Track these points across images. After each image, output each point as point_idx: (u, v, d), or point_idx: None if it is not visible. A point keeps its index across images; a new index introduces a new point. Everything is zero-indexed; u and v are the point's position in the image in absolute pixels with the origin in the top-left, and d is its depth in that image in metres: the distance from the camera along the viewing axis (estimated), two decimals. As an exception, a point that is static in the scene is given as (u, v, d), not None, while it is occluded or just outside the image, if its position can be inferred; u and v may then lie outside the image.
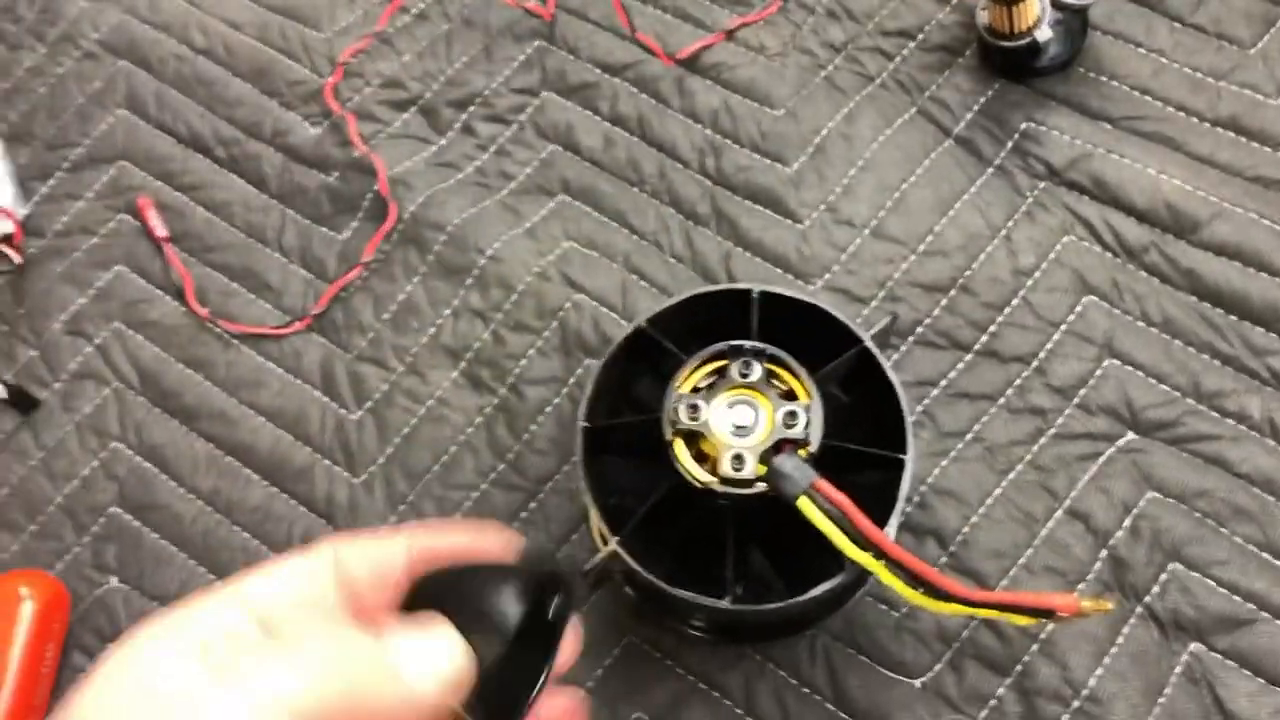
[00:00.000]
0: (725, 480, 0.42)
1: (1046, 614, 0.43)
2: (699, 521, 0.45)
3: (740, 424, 0.42)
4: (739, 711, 0.50)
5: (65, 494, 0.57)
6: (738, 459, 0.41)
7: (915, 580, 0.41)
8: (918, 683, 0.49)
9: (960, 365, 0.55)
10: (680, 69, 0.63)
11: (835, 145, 0.60)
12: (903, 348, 0.55)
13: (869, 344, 0.46)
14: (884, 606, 0.51)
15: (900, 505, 0.44)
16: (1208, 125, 0.58)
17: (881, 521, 0.43)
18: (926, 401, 0.54)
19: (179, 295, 0.61)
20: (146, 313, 0.61)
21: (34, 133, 0.66)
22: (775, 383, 0.44)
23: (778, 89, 0.62)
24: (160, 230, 0.62)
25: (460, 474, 0.55)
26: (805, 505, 0.40)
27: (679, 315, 0.47)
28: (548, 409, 0.56)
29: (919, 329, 0.56)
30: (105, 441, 0.58)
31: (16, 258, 0.62)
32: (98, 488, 0.57)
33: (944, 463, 0.53)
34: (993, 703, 0.48)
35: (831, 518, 0.40)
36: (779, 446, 0.42)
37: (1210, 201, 0.56)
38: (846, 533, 0.40)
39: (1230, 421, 0.52)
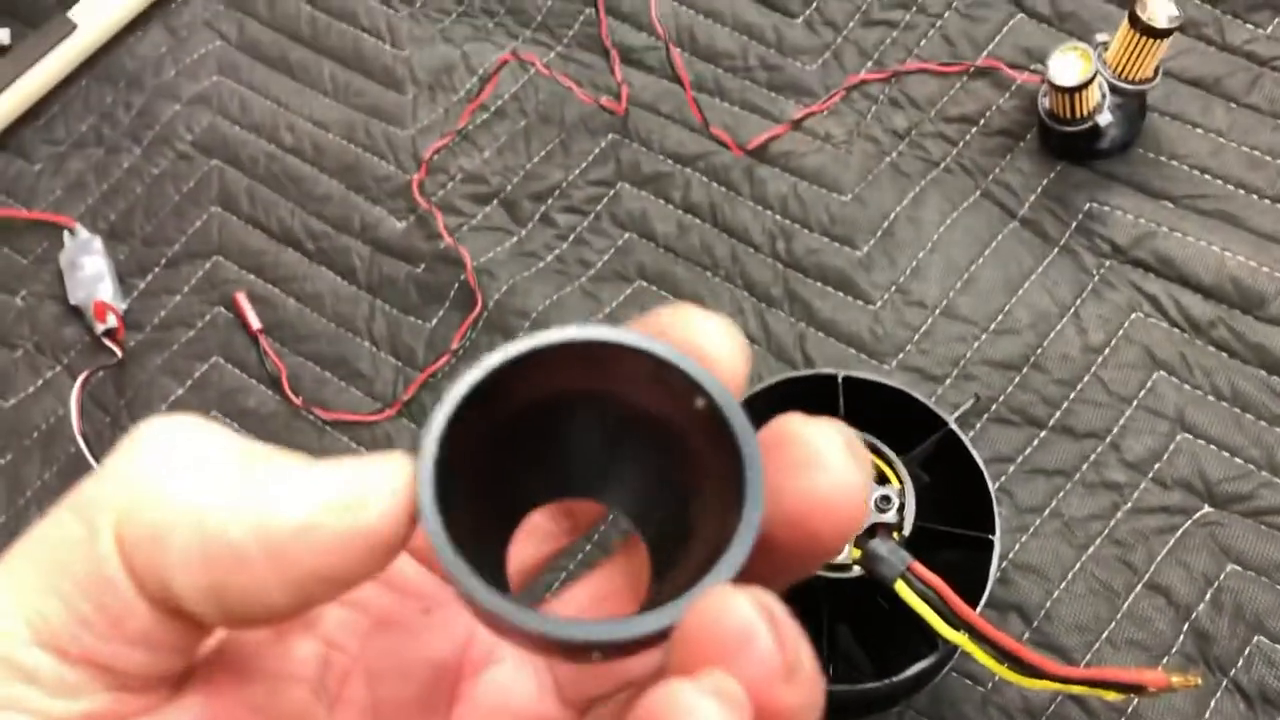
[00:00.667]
0: (826, 565, 0.43)
1: (1136, 689, 0.44)
2: (794, 602, 0.46)
3: (833, 509, 0.44)
4: (831, 788, 0.51)
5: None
6: (834, 544, 0.43)
7: (1007, 657, 0.42)
8: (1007, 758, 0.50)
9: (1035, 442, 0.56)
10: (749, 159, 0.65)
11: (903, 228, 0.62)
12: (977, 425, 0.57)
13: (954, 427, 0.47)
14: (969, 682, 0.52)
15: (990, 583, 0.45)
16: (1268, 202, 0.60)
17: (972, 600, 0.44)
18: (1003, 478, 0.56)
19: (274, 384, 0.63)
20: (243, 402, 0.63)
21: (132, 230, 0.69)
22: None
23: (844, 175, 0.64)
24: (255, 322, 0.65)
25: (550, 555, 0.57)
26: (901, 589, 0.42)
27: (765, 400, 0.49)
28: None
29: (994, 406, 0.57)
30: (207, 527, 0.60)
31: (118, 351, 0.65)
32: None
33: (1023, 538, 0.54)
34: (1083, 777, 0.49)
35: (925, 599, 0.42)
36: (873, 531, 0.43)
37: (1275, 277, 0.57)
38: (940, 613, 0.42)
39: (1305, 494, 0.53)
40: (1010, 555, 0.54)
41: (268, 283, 0.67)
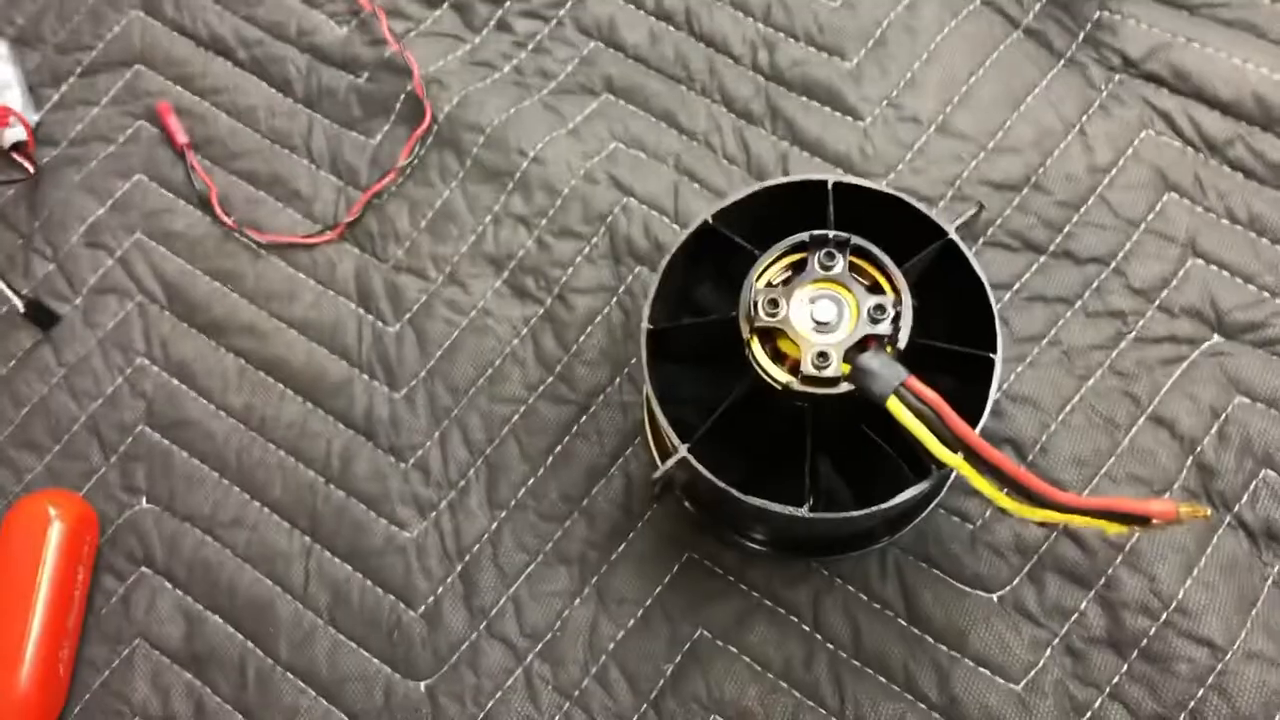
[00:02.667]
0: (807, 380, 0.39)
1: (1141, 521, 0.40)
2: (770, 428, 0.42)
3: (822, 319, 0.39)
4: (806, 629, 0.47)
5: (90, 412, 0.54)
6: (822, 356, 0.39)
7: (1007, 483, 0.38)
8: (995, 596, 0.47)
9: (1034, 267, 0.52)
10: (729, -41, 0.59)
11: (897, 37, 0.56)
12: (973, 249, 0.52)
13: (954, 236, 0.43)
14: (957, 519, 0.48)
15: (990, 405, 0.41)
16: (1294, 12, 0.55)
17: (971, 422, 0.40)
18: (999, 305, 0.51)
19: (203, 204, 0.58)
20: (170, 223, 0.58)
21: (43, 36, 0.62)
22: (859, 277, 0.41)
23: (833, -21, 0.58)
24: (181, 137, 0.59)
25: (506, 386, 0.52)
26: (895, 406, 0.37)
27: (745, 212, 0.44)
28: (597, 319, 0.53)
29: (990, 230, 0.53)
30: (130, 357, 0.55)
31: (29, 167, 0.59)
32: (124, 405, 0.54)
33: (1019, 368, 0.50)
34: (1075, 616, 0.46)
35: (922, 417, 0.37)
36: (864, 343, 0.39)
37: (1299, 91, 0.52)
38: (937, 433, 0.38)
39: (1323, 322, 0.49)
40: (1004, 386, 0.50)
41: (195, 94, 0.61)
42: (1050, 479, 0.48)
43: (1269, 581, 0.46)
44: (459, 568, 0.50)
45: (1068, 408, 0.49)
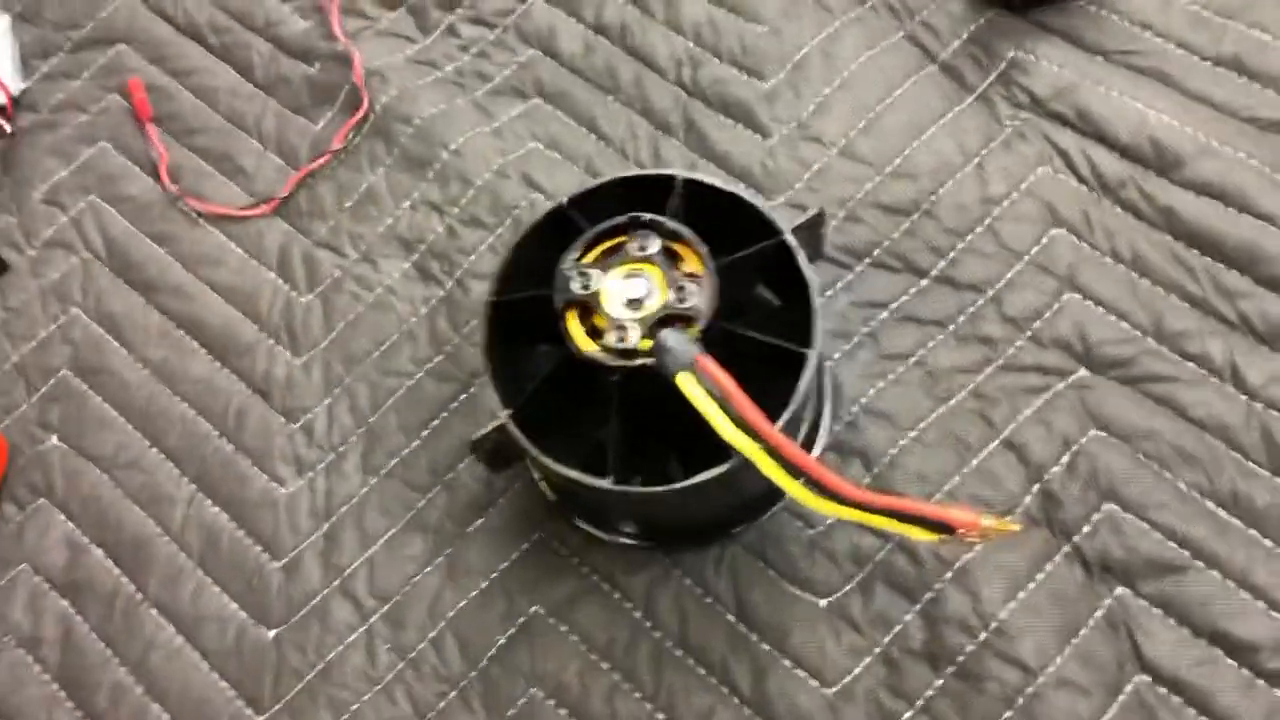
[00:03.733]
0: (608, 350, 0.40)
1: (943, 528, 0.41)
2: (597, 407, 0.44)
3: (633, 297, 0.41)
4: (637, 615, 0.48)
5: (21, 354, 0.58)
6: (621, 329, 0.40)
7: (796, 472, 0.39)
8: (823, 602, 0.47)
9: (913, 290, 0.53)
10: (667, -20, 0.61)
11: (815, 63, 0.58)
12: (857, 269, 0.54)
13: (787, 236, 0.44)
14: (800, 522, 0.49)
15: (796, 401, 0.42)
16: (1208, 63, 0.55)
17: (776, 414, 0.41)
18: (873, 324, 0.52)
19: (156, 173, 0.62)
20: (123, 188, 0.62)
21: (43, 14, 0.68)
22: (679, 264, 0.42)
23: (765, 5, 0.60)
24: (146, 111, 0.63)
25: (396, 361, 0.55)
26: (684, 382, 0.39)
27: (604, 200, 0.46)
28: (492, 305, 0.55)
29: (876, 251, 0.54)
30: (66, 307, 0.59)
31: (7, 128, 0.63)
32: (52, 350, 0.58)
33: (881, 384, 0.51)
34: (897, 628, 0.46)
35: (713, 397, 0.39)
36: (667, 321, 0.41)
37: (1198, 139, 0.53)
38: (726, 414, 0.39)
39: (1190, 365, 0.49)
40: (863, 400, 0.51)
41: (168, 74, 0.65)
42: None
43: (1098, 614, 0.46)
44: (325, 526, 0.52)
45: (922, 425, 0.50)
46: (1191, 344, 0.49)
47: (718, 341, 0.41)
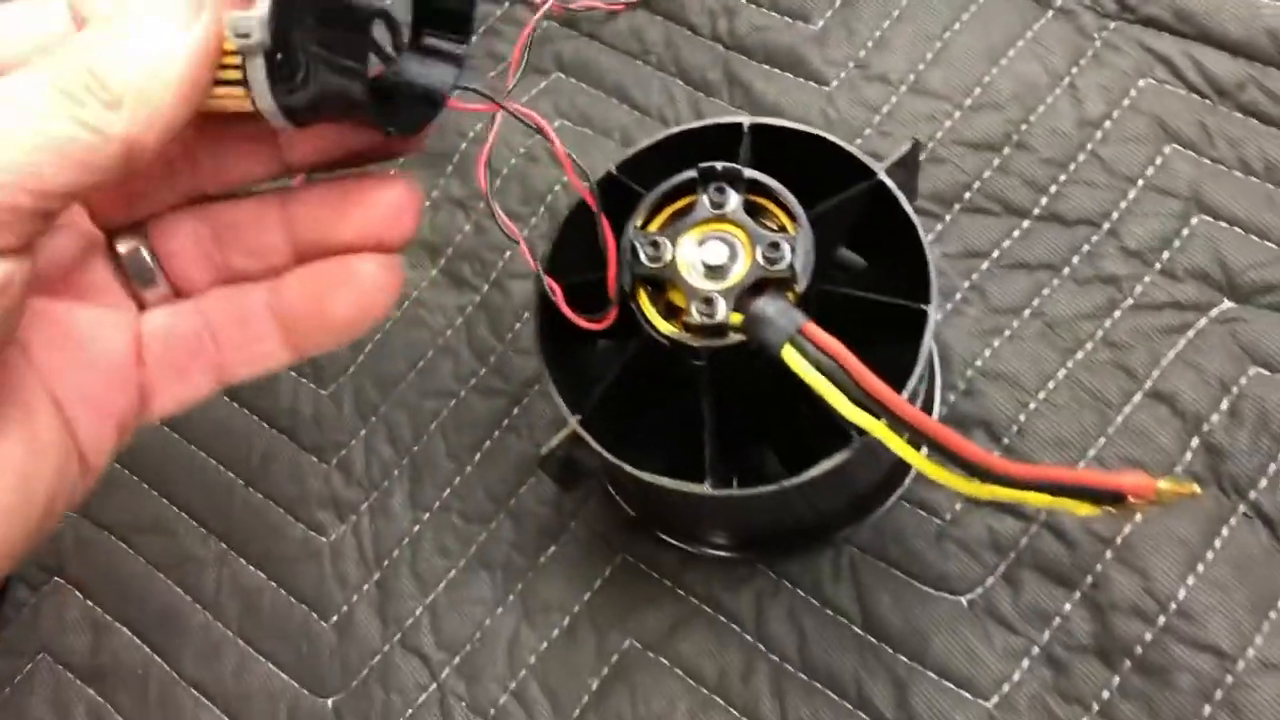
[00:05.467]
0: (693, 329, 0.34)
1: (1112, 498, 0.34)
2: (681, 400, 0.37)
3: (713, 263, 0.34)
4: (748, 638, 0.42)
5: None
6: (707, 303, 0.34)
7: (938, 450, 0.33)
8: (964, 599, 0.41)
9: (1016, 233, 0.46)
10: (688, -75, 0.55)
11: (866, -5, 0.52)
12: (947, 217, 0.47)
13: (883, 177, 0.37)
14: (924, 513, 0.42)
15: (921, 365, 0.35)
16: (1317, -59, 0.48)
17: (899, 382, 0.34)
18: (975, 276, 0.46)
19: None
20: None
21: None
22: (762, 220, 0.36)
23: (799, -60, 0.54)
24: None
25: (436, 380, 0.48)
26: (790, 355, 0.32)
27: (657, 161, 0.39)
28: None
29: (967, 195, 0.47)
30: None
31: None
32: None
33: (996, 343, 0.44)
34: (1058, 621, 0.40)
35: (821, 369, 0.32)
36: (760, 288, 0.34)
37: (1321, 23, 0.46)
38: (843, 388, 0.32)
39: (1353, 280, 0.42)
40: (978, 363, 0.44)
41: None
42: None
43: (1293, 579, 0.39)
44: (376, 575, 0.46)
45: (1051, 384, 0.43)
46: (1351, 256, 0.43)
47: (815, 308, 0.35)
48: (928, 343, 0.35)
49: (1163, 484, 0.34)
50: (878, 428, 0.32)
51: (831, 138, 0.38)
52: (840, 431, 0.35)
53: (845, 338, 0.33)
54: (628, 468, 0.35)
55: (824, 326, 0.33)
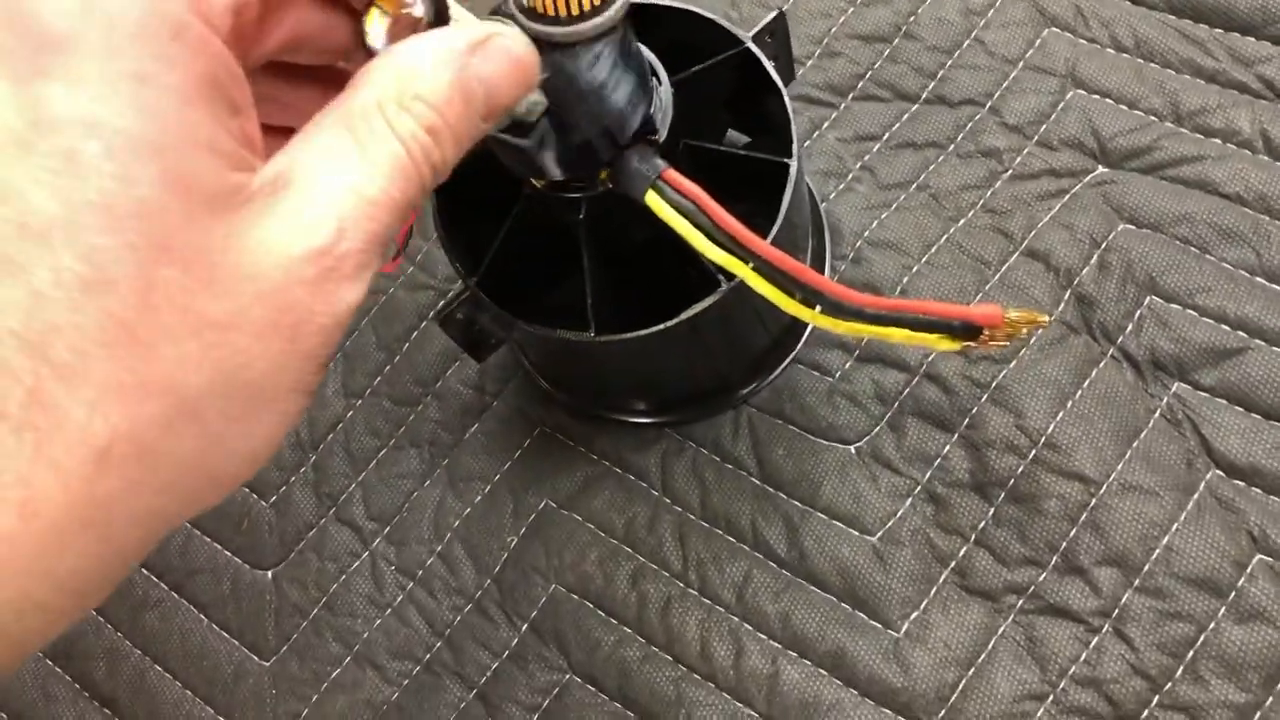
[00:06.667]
0: (558, 184, 0.36)
1: (967, 331, 0.37)
2: (572, 259, 0.40)
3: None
4: (654, 492, 0.44)
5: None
6: (575, 155, 0.36)
7: (797, 287, 0.35)
8: (852, 448, 0.43)
9: (905, 116, 0.49)
10: None
11: (766, -94, 0.54)
12: (842, 105, 0.50)
13: (750, 44, 0.40)
14: (816, 373, 0.45)
15: (782, 213, 0.38)
16: None
17: (766, 231, 0.37)
18: (867, 157, 0.48)
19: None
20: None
21: None
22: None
23: None
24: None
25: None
26: (653, 200, 0.35)
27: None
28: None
29: (860, 84, 0.50)
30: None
31: None
32: None
33: (884, 215, 0.47)
34: (938, 461, 0.42)
35: (685, 213, 0.35)
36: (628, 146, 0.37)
37: (1189, -93, 0.48)
38: (703, 229, 0.35)
39: (1215, 140, 0.45)
40: (866, 234, 0.47)
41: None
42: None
43: (1156, 414, 0.41)
44: (312, 457, 0.48)
45: (933, 249, 0.46)
46: (1214, 119, 0.45)
47: (688, 166, 0.37)
48: (789, 191, 0.38)
49: (1012, 313, 0.37)
50: (739, 267, 0.35)
51: (700, 11, 0.41)
52: (713, 280, 0.37)
53: (721, 198, 0.36)
54: (517, 321, 0.38)
55: (702, 185, 0.36)
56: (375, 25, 0.27)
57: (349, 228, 0.23)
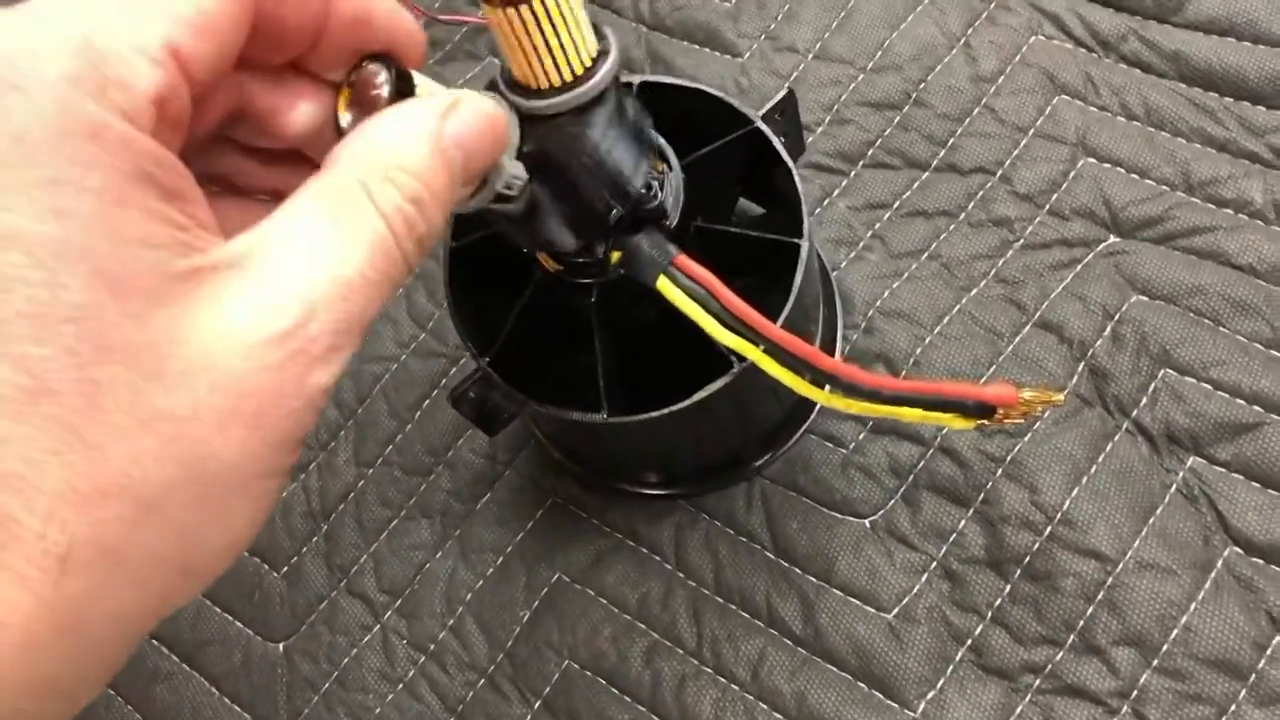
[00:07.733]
0: (574, 268, 0.36)
1: (981, 410, 0.36)
2: (584, 341, 0.40)
3: (595, 204, 0.37)
4: (667, 566, 0.44)
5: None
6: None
7: (804, 368, 0.35)
8: (867, 522, 0.43)
9: (916, 184, 0.49)
10: (610, -86, 0.58)
11: (776, -27, 0.55)
12: (852, 172, 0.50)
13: (759, 123, 0.40)
14: (830, 444, 0.45)
15: (794, 294, 0.38)
16: (1194, -99, 0.51)
17: (777, 312, 0.37)
18: (878, 225, 0.48)
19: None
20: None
21: None
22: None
23: (715, -75, 0.57)
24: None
25: (378, 346, 0.51)
26: (665, 285, 0.35)
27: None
28: (471, 273, 0.52)
29: (870, 151, 0.50)
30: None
31: None
32: None
33: (895, 285, 0.47)
34: (953, 537, 0.42)
35: (694, 297, 0.35)
36: (637, 226, 0.37)
37: (1196, -24, 0.49)
38: (714, 314, 0.35)
39: (1227, 211, 0.45)
40: (878, 304, 0.47)
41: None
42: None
43: (1171, 489, 0.41)
44: (324, 527, 0.48)
45: (945, 319, 0.46)
46: (1225, 189, 0.45)
47: (699, 246, 0.37)
48: (801, 270, 0.38)
49: (1026, 393, 0.37)
50: (750, 350, 0.35)
51: (711, 89, 0.41)
52: (725, 361, 0.37)
53: (733, 276, 0.36)
54: (530, 402, 0.38)
55: (713, 266, 0.36)
56: (346, 110, 0.27)
57: (319, 308, 0.23)
